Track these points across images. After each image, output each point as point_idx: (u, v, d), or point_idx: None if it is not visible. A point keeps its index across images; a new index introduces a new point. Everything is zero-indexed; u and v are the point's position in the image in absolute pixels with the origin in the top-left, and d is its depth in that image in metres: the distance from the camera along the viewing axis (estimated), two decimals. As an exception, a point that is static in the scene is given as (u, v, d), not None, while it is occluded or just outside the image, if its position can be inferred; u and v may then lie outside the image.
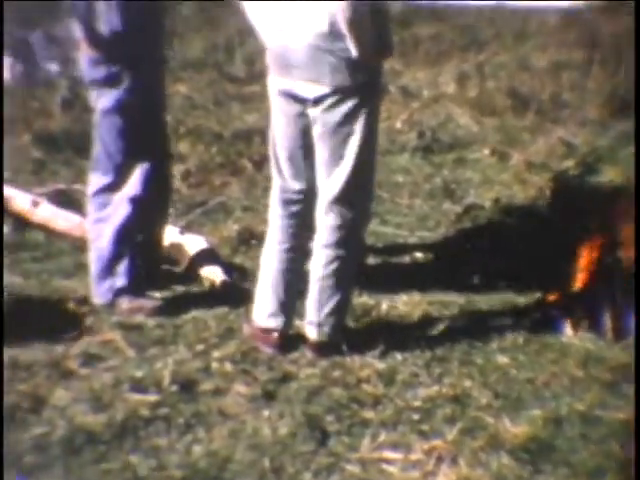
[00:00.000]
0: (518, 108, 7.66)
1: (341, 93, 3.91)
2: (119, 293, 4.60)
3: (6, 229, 5.47)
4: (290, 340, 4.23)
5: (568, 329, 4.45)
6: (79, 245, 5.20)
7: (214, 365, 4.04)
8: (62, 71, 8.40)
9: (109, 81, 4.50)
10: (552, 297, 4.63)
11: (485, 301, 4.74)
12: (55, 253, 5.29)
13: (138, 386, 3.85)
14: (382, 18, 3.92)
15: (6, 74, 9.02)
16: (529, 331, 4.40)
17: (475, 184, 6.36)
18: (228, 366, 4.03)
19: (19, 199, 5.62)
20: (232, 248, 5.32)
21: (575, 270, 4.62)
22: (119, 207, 4.59)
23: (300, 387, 3.90)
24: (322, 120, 3.97)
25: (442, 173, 6.59)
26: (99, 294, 4.63)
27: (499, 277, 4.95)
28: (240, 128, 7.29)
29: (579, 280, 4.59)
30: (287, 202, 4.19)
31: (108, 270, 4.61)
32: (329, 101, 3.93)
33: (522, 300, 4.74)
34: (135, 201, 4.58)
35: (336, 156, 3.99)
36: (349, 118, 3.93)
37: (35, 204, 5.54)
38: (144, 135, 4.57)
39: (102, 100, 4.56)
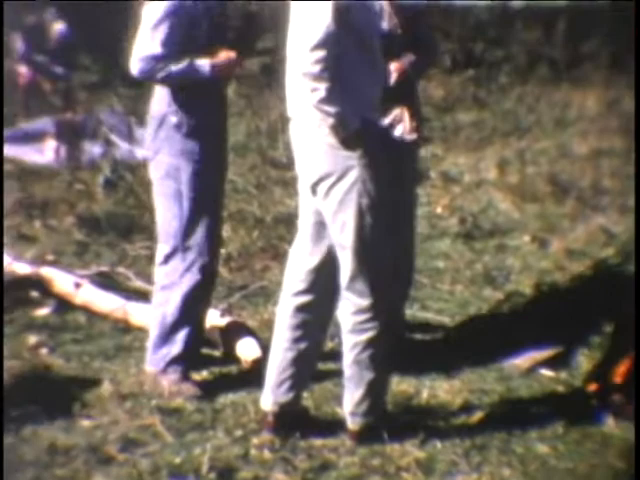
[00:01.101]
0: (558, 195, 7.67)
1: (328, 179, 3.95)
2: (173, 361, 4.64)
3: (48, 310, 5.54)
4: (288, 422, 4.16)
5: (609, 419, 4.39)
6: (120, 327, 5.24)
7: (253, 452, 4.00)
8: (105, 153, 8.52)
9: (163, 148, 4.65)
10: (592, 386, 4.58)
11: (524, 389, 4.70)
12: (96, 335, 5.34)
13: (177, 472, 3.83)
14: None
15: (50, 156, 9.19)
16: (569, 420, 4.32)
17: (515, 271, 6.35)
18: (267, 453, 3.98)
19: (62, 281, 5.69)
20: (272, 332, 5.32)
21: (616, 358, 4.58)
22: (185, 275, 4.65)
23: (339, 476, 3.85)
24: (323, 208, 4.02)
25: (483, 259, 6.58)
26: (153, 362, 4.68)
27: (542, 363, 4.92)
28: (281, 212, 7.34)
29: (620, 369, 4.54)
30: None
31: (167, 337, 4.66)
32: (322, 187, 3.97)
33: (562, 389, 4.70)
34: (201, 269, 4.65)
35: (338, 244, 4.02)
36: (341, 204, 3.94)
37: (77, 286, 5.60)
38: (203, 202, 4.67)
39: (157, 169, 4.70)
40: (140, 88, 11.75)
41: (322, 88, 3.81)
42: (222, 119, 4.88)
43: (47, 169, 8.91)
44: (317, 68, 3.80)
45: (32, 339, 5.23)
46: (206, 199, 4.70)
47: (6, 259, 5.94)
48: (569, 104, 10.42)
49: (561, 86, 11.14)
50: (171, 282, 4.66)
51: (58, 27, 11.02)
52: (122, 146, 8.84)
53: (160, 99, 4.68)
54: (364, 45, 3.98)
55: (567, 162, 8.54)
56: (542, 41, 12.63)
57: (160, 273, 4.74)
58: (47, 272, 5.76)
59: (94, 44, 13.21)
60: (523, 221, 7.31)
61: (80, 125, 9.59)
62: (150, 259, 6.34)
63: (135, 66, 4.58)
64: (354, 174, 3.94)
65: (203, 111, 4.67)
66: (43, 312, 5.57)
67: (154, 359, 4.68)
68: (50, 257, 6.43)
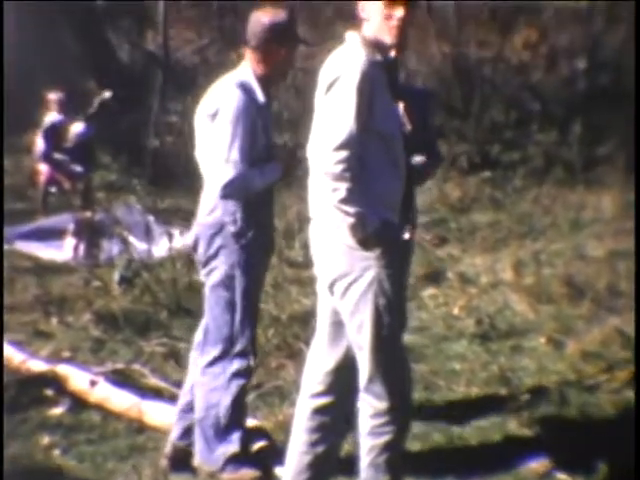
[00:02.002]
0: (574, 296, 7.66)
1: (345, 278, 3.99)
2: (231, 459, 4.72)
3: (63, 409, 5.53)
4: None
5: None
6: (134, 427, 5.23)
7: None
8: (123, 250, 8.59)
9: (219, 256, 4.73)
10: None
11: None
12: (110, 435, 5.32)
13: None
14: None
15: (68, 253, 9.28)
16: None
17: (531, 372, 6.32)
18: None
19: (77, 378, 5.70)
20: (287, 433, 5.30)
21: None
22: (234, 378, 4.74)
23: None
24: (340, 308, 4.06)
25: (499, 360, 6.55)
26: (211, 460, 4.75)
27: (558, 467, 4.87)
28: (297, 311, 7.35)
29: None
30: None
31: (223, 437, 4.73)
32: (339, 287, 4.02)
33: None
34: (247, 371, 4.78)
35: (356, 345, 4.04)
36: (358, 304, 3.97)
37: (93, 384, 5.61)
38: (251, 310, 4.74)
39: (211, 276, 4.74)
40: (157, 187, 12.00)
41: (343, 188, 3.85)
42: (271, 228, 4.97)
43: (65, 266, 8.99)
44: (339, 168, 3.85)
45: (45, 439, 5.21)
46: (255, 305, 4.79)
47: (22, 356, 5.97)
48: (584, 206, 10.50)
49: (576, 188, 11.25)
50: (220, 385, 4.74)
51: (77, 126, 11.19)
52: (139, 244, 8.90)
53: (215, 207, 4.73)
54: (386, 147, 4.04)
55: (582, 264, 8.55)
56: (558, 143, 12.79)
57: (207, 375, 4.78)
58: (63, 369, 5.77)
59: (114, 143, 13.43)
60: (539, 322, 7.29)
61: (98, 223, 9.69)
62: (166, 356, 6.40)
63: (222, 189, 4.63)
64: (371, 274, 3.97)
65: (259, 221, 4.74)
66: (57, 411, 5.56)
67: (212, 458, 4.75)
68: (66, 354, 6.45)
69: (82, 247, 9.45)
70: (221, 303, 4.74)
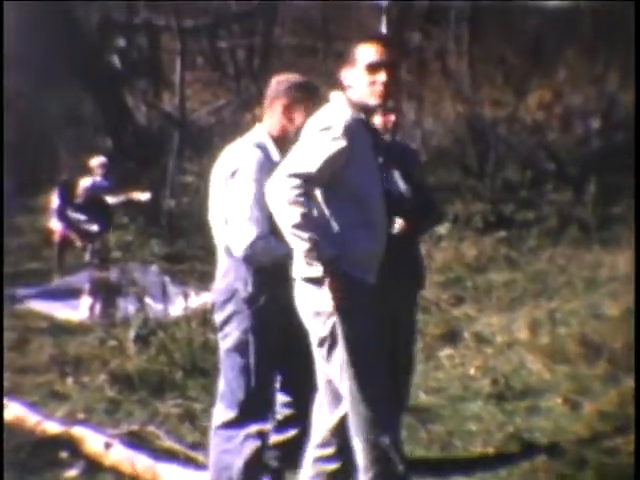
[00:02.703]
0: (590, 356, 7.61)
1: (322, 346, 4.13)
2: None
3: (77, 472, 5.51)
4: None
5: None
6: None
7: None
8: (138, 310, 8.61)
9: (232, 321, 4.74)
10: None
11: None
12: (125, 500, 5.31)
13: None
14: None
15: (84, 313, 9.31)
16: None
17: (547, 433, 6.28)
18: None
19: (92, 440, 5.67)
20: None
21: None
22: (247, 441, 4.70)
23: None
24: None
25: (514, 421, 6.52)
26: None
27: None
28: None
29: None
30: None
31: None
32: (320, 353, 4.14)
33: None
34: (260, 435, 4.71)
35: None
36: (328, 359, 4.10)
37: (108, 446, 5.58)
38: (266, 374, 4.75)
39: (225, 341, 4.77)
40: (173, 247, 12.07)
41: (297, 213, 3.90)
42: (286, 291, 4.97)
43: (81, 325, 9.01)
44: (293, 193, 3.90)
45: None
46: (271, 369, 4.78)
47: (36, 418, 5.97)
48: (600, 265, 10.49)
49: (592, 247, 11.25)
50: (233, 447, 4.71)
51: (86, 180, 11.24)
52: (155, 303, 8.92)
53: (227, 271, 4.75)
54: (361, 207, 4.07)
55: (598, 323, 8.51)
56: (572, 202, 12.82)
57: (220, 436, 4.77)
58: (78, 431, 5.76)
59: (131, 203, 13.50)
60: (555, 382, 7.24)
61: (114, 282, 9.72)
62: (181, 417, 6.38)
63: (245, 250, 4.64)
64: (339, 333, 4.02)
65: (272, 286, 4.73)
66: (72, 474, 5.52)
67: None
68: (81, 415, 6.44)
69: (98, 306, 9.48)
70: (236, 368, 4.74)
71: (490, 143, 14.83)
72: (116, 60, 16.80)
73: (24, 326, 8.66)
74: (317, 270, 3.94)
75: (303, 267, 4.04)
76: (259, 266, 4.65)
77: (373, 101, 4.14)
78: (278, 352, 4.84)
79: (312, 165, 3.93)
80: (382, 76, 4.09)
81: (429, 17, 20.78)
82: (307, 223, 3.90)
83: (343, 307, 3.97)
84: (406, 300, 5.13)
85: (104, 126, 15.91)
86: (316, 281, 4.00)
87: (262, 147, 4.74)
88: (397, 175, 5.04)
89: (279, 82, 4.84)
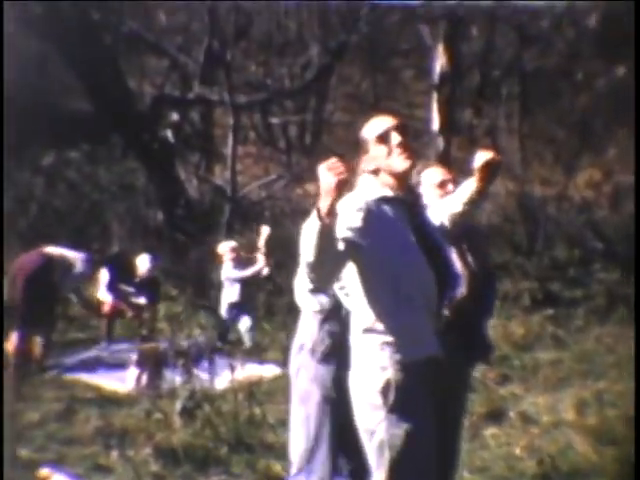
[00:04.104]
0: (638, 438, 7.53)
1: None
2: None
3: None
4: None
5: None
6: None
7: None
8: (185, 381, 8.63)
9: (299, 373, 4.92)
10: None
11: None
12: None
13: None
14: None
15: (131, 384, 9.33)
16: None
17: (597, 517, 6.21)
18: None
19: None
20: None
21: None
22: None
23: None
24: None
25: (561, 505, 6.45)
26: None
27: None
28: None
29: None
30: None
31: None
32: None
33: None
34: None
35: None
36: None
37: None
38: (326, 426, 4.87)
39: (295, 392, 4.98)
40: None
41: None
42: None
43: (127, 397, 9.03)
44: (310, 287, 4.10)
45: None
46: (331, 423, 4.82)
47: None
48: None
49: (640, 327, 11.16)
50: None
51: (144, 259, 11.39)
52: (202, 376, 8.94)
53: (301, 326, 4.98)
54: (396, 279, 4.07)
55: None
56: (620, 281, 12.75)
57: None
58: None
59: (180, 276, 13.64)
60: (602, 465, 7.13)
61: (162, 354, 9.76)
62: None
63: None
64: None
65: (336, 340, 4.82)
66: None
67: None
68: (125, 486, 6.46)
69: (145, 377, 9.50)
70: (299, 419, 4.84)
71: (539, 221, 14.84)
72: (169, 134, 17.06)
73: (71, 396, 8.69)
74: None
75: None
76: (325, 319, 4.77)
77: (400, 165, 4.15)
78: (341, 406, 4.88)
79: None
80: (396, 138, 4.13)
81: (480, 94, 20.95)
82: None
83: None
84: (458, 376, 5.10)
85: (156, 198, 16.10)
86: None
87: None
88: (453, 252, 5.01)
89: None
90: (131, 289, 11.30)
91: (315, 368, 4.87)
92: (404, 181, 4.21)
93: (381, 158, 4.17)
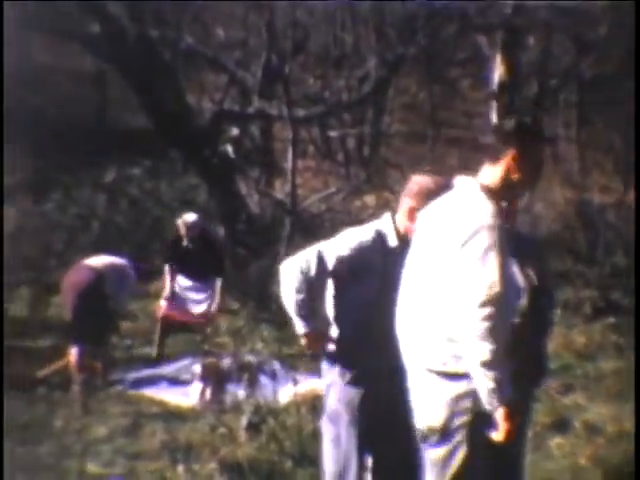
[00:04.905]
0: None
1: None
2: None
3: None
4: None
5: None
6: None
7: None
8: (249, 395, 8.68)
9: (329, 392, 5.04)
10: None
11: None
12: None
13: None
14: None
15: (195, 398, 9.41)
16: None
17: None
18: None
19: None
20: None
21: None
22: None
23: None
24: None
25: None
26: None
27: None
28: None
29: None
30: None
31: None
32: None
33: None
34: None
35: None
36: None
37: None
38: (356, 449, 4.92)
39: (325, 409, 5.11)
40: (283, 333, 12.17)
41: (486, 350, 3.76)
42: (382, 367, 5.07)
43: (191, 411, 9.10)
44: (483, 326, 3.75)
45: None
46: (361, 446, 4.87)
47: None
48: None
49: None
50: None
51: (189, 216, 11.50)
52: (265, 389, 8.98)
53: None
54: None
55: None
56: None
57: None
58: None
59: (242, 290, 13.73)
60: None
61: (225, 368, 9.82)
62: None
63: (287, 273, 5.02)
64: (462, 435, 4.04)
65: (363, 360, 4.88)
66: None
67: None
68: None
69: (208, 392, 9.57)
70: (329, 439, 4.89)
71: (599, 229, 14.73)
72: (229, 149, 17.17)
73: (137, 411, 8.80)
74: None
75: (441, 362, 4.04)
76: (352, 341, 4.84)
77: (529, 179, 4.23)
78: (370, 430, 4.92)
79: (495, 283, 3.88)
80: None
81: (538, 103, 20.85)
82: (495, 360, 3.79)
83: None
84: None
85: (217, 213, 16.22)
86: (456, 376, 4.02)
87: (381, 233, 4.93)
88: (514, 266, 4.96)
89: (413, 182, 5.00)
90: (188, 282, 11.36)
91: (344, 390, 4.91)
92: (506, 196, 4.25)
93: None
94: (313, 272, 4.90)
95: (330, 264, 4.92)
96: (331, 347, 5.00)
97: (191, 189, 17.56)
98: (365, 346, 4.92)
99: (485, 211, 4.00)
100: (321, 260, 4.92)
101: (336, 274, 4.96)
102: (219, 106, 17.79)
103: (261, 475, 6.94)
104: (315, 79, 22.50)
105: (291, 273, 4.92)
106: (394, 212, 5.09)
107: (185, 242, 11.30)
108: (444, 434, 4.06)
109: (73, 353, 9.77)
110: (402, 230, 4.96)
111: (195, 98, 19.76)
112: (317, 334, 4.98)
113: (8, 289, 11.53)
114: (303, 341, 5.13)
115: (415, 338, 4.22)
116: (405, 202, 4.97)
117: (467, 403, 3.99)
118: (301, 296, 4.91)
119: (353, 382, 4.91)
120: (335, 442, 4.91)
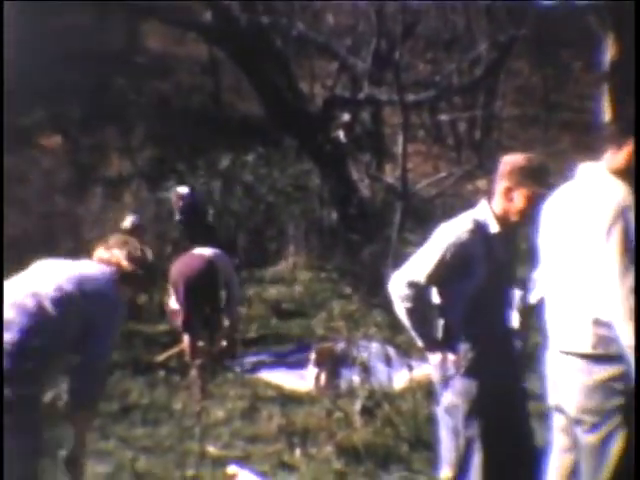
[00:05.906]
0: None
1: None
2: None
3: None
4: None
5: None
6: None
7: None
8: (363, 380, 8.71)
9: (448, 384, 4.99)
10: None
11: None
12: None
13: None
14: None
15: (310, 382, 9.48)
16: None
17: None
18: None
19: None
20: None
21: None
22: None
23: None
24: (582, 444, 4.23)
25: None
26: None
27: None
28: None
29: None
30: None
31: None
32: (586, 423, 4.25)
33: None
34: None
35: None
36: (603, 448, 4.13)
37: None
38: (477, 440, 4.92)
39: (442, 401, 5.08)
40: (396, 318, 12.20)
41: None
42: (504, 358, 5.06)
43: (307, 395, 9.17)
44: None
45: None
46: (481, 437, 4.87)
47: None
48: None
49: None
50: None
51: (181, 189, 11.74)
52: (380, 375, 9.00)
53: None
54: None
55: None
56: None
57: None
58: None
59: (354, 274, 13.77)
60: None
61: (339, 353, 9.86)
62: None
63: (396, 287, 4.89)
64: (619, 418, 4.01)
65: (479, 350, 4.88)
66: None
67: None
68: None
69: (323, 377, 9.62)
70: (448, 430, 4.93)
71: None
72: (341, 134, 17.22)
73: (254, 394, 8.90)
74: None
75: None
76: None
77: None
78: (488, 420, 4.92)
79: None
80: None
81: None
82: None
83: None
84: None
85: (330, 198, 16.31)
86: (607, 359, 4.04)
87: (479, 222, 4.90)
88: None
89: (505, 163, 4.96)
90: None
91: (461, 382, 4.90)
92: None
93: None
94: (422, 284, 4.93)
95: (432, 271, 4.90)
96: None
97: (304, 174, 17.64)
98: (479, 336, 4.91)
99: (621, 193, 4.01)
100: (422, 270, 4.92)
101: (439, 278, 4.95)
102: (331, 92, 17.87)
103: (377, 459, 6.98)
104: (425, 63, 22.39)
105: (400, 289, 4.94)
106: (490, 198, 5.05)
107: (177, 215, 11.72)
108: (599, 417, 4.04)
109: (185, 340, 9.98)
110: (500, 213, 4.94)
111: (307, 85, 19.86)
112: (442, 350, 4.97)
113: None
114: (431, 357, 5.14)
115: (559, 322, 4.23)
116: (500, 184, 4.93)
117: (620, 385, 3.99)
118: (416, 314, 4.96)
119: (469, 373, 4.90)
120: (453, 433, 4.92)
